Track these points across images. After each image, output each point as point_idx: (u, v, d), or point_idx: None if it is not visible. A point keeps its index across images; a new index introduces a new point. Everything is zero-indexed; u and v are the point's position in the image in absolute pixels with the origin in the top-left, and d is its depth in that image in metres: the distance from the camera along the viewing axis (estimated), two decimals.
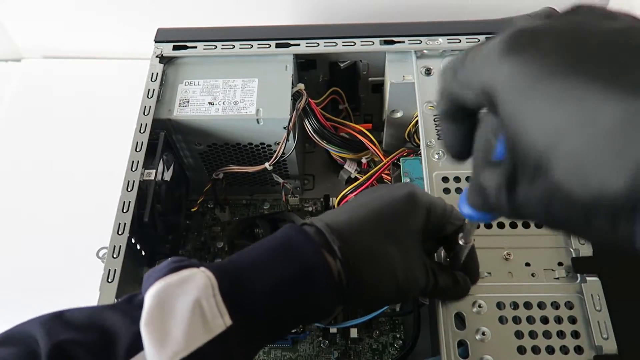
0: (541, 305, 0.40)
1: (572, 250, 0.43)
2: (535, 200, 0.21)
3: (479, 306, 0.40)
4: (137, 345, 0.30)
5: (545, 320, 0.40)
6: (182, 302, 0.31)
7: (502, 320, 0.40)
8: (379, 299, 0.38)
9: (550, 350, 0.39)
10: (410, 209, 0.36)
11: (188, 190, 0.64)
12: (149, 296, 0.31)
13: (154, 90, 0.58)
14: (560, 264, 0.42)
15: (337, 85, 0.64)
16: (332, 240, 0.34)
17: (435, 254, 0.42)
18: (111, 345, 0.30)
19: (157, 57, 0.61)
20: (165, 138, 0.56)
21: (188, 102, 0.57)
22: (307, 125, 0.59)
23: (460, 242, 0.35)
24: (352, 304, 0.38)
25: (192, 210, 0.63)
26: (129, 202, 0.49)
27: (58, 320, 0.31)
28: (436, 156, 0.49)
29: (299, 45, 0.60)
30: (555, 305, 0.40)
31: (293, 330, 0.55)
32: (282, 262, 0.34)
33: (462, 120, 0.26)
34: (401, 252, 0.35)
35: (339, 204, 0.60)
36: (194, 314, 0.30)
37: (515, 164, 0.22)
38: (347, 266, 0.34)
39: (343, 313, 0.55)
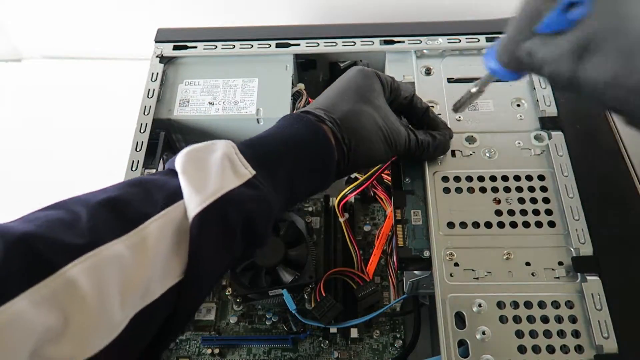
0: (541, 305, 0.40)
1: (572, 249, 0.43)
2: (605, 73, 0.24)
3: (479, 305, 0.40)
4: (174, 197, 0.33)
5: (545, 319, 0.40)
6: (213, 157, 0.36)
7: (502, 319, 0.40)
8: (373, 151, 0.43)
9: (550, 349, 0.38)
10: (365, 77, 0.45)
11: None
12: (181, 156, 0.36)
13: (154, 90, 0.58)
14: (560, 263, 0.42)
15: None
16: (319, 112, 0.41)
17: None
18: (152, 195, 0.33)
19: (157, 57, 0.61)
20: (165, 138, 0.56)
21: (188, 102, 0.57)
22: None
23: (472, 90, 0.39)
24: (350, 161, 0.42)
25: None
26: None
27: (104, 189, 0.34)
28: None
29: (299, 45, 0.60)
30: (556, 305, 0.40)
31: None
32: (289, 128, 0.40)
33: None
34: (375, 109, 0.43)
35: (339, 204, 0.60)
36: (225, 164, 0.35)
37: (597, 33, 0.24)
38: (339, 126, 0.41)
39: (343, 313, 0.55)
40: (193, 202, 0.33)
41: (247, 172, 0.36)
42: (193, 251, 0.33)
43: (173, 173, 0.35)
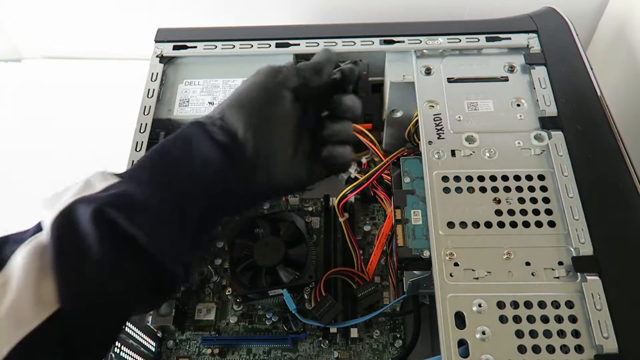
0: (541, 305, 0.40)
1: (572, 249, 0.43)
2: None
3: (479, 305, 0.40)
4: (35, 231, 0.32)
5: (545, 319, 0.40)
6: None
7: (502, 319, 0.40)
8: (269, 160, 0.39)
9: (550, 349, 0.38)
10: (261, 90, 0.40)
11: None
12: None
13: (154, 90, 0.58)
14: (560, 263, 0.42)
15: None
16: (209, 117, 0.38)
17: None
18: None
19: (157, 57, 0.61)
20: (165, 138, 0.56)
21: (188, 102, 0.57)
22: None
23: None
24: (245, 171, 0.38)
25: None
26: None
27: None
28: (436, 155, 0.49)
29: (299, 45, 0.60)
30: (556, 305, 0.40)
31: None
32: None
33: None
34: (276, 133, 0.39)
35: (339, 204, 0.60)
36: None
37: None
38: (227, 130, 0.37)
39: (343, 313, 0.55)
40: (47, 219, 0.31)
41: (106, 183, 0.34)
42: (56, 264, 0.30)
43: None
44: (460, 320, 0.40)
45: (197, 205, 0.36)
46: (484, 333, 0.39)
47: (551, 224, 0.44)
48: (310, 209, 0.65)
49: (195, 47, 0.61)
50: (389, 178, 0.56)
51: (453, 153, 0.49)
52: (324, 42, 0.60)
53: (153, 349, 0.56)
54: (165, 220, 0.34)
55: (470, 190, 0.47)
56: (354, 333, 0.55)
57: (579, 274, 0.42)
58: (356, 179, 0.61)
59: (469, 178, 0.47)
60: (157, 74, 0.59)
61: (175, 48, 0.61)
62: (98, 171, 0.35)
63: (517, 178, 0.47)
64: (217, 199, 0.37)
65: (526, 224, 0.44)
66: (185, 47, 0.61)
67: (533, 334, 0.39)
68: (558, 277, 0.42)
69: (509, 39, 0.58)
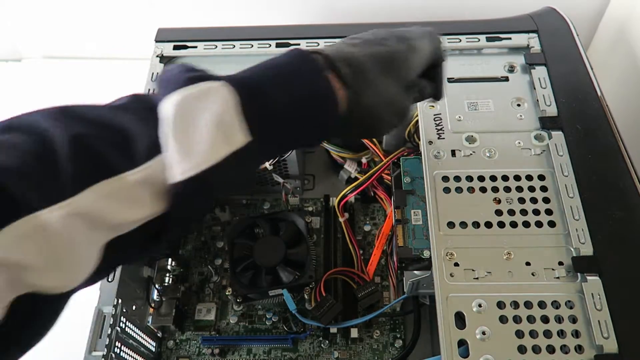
0: (542, 305, 0.40)
1: (572, 249, 0.43)
2: None
3: (480, 305, 0.40)
4: (156, 148, 0.31)
5: (545, 319, 0.40)
6: (206, 115, 0.32)
7: (502, 319, 0.40)
8: (376, 122, 0.40)
9: (550, 349, 0.38)
10: (415, 58, 0.40)
11: None
12: (170, 105, 0.32)
13: (154, 90, 0.58)
14: (560, 263, 0.42)
15: None
16: (341, 67, 0.36)
17: None
18: (130, 142, 0.31)
19: (157, 57, 0.61)
20: None
21: None
22: None
23: None
24: (352, 128, 0.39)
25: None
26: None
27: (68, 113, 0.31)
28: (436, 155, 0.49)
29: (299, 45, 0.60)
30: (556, 305, 0.40)
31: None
32: (296, 85, 0.35)
33: None
34: (399, 90, 0.39)
35: (339, 204, 0.60)
36: (217, 127, 0.31)
37: None
38: (352, 92, 0.37)
39: (343, 313, 0.55)
40: (177, 168, 0.31)
41: (241, 138, 0.32)
42: (170, 213, 0.32)
43: (153, 114, 0.32)
44: (460, 320, 0.40)
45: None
46: (484, 333, 0.39)
47: (551, 224, 0.44)
48: (310, 209, 0.65)
49: (196, 47, 0.61)
50: (389, 178, 0.56)
51: (453, 153, 0.49)
52: (324, 42, 0.60)
53: (153, 349, 0.56)
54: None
55: (471, 190, 0.47)
56: (354, 333, 0.55)
57: (579, 274, 0.42)
58: (356, 179, 0.61)
59: (469, 178, 0.47)
60: (157, 73, 0.59)
61: (175, 48, 0.61)
62: (237, 100, 0.33)
63: (517, 178, 0.47)
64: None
65: (526, 224, 0.44)
66: (186, 47, 0.61)
67: (533, 334, 0.39)
68: (558, 277, 0.42)
69: (509, 39, 0.58)
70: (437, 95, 0.44)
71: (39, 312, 0.29)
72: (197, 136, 0.31)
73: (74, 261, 0.29)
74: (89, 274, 0.30)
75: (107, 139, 0.30)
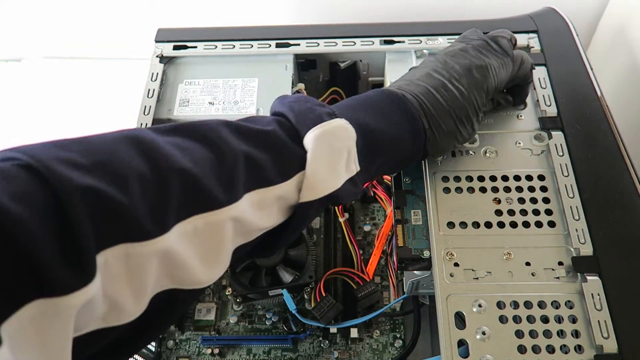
0: (541, 305, 0.40)
1: (572, 249, 0.43)
2: None
3: (480, 305, 0.40)
4: (297, 170, 0.37)
5: (545, 319, 0.40)
6: (338, 147, 0.38)
7: (502, 319, 0.40)
8: (445, 153, 0.48)
9: (550, 349, 0.38)
10: (490, 91, 0.45)
11: None
12: (313, 136, 0.38)
13: (154, 90, 0.58)
14: (560, 263, 0.42)
15: (337, 85, 0.64)
16: (424, 116, 0.43)
17: None
18: (282, 161, 0.37)
19: (157, 57, 0.61)
20: None
21: (188, 101, 0.57)
22: None
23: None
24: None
25: None
26: None
27: (238, 130, 0.37)
28: None
29: (299, 45, 0.60)
30: (556, 305, 0.40)
31: (293, 331, 0.56)
32: (397, 128, 0.42)
33: None
34: (472, 131, 0.45)
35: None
36: (345, 159, 0.39)
37: None
38: (430, 138, 0.43)
39: (343, 313, 0.55)
40: (311, 190, 0.37)
41: (354, 168, 0.39)
42: (292, 227, 0.39)
43: (299, 141, 0.38)
44: (460, 320, 0.40)
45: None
46: (484, 333, 0.39)
47: (551, 224, 0.44)
48: None
49: (196, 47, 0.61)
50: (389, 178, 0.56)
51: (453, 153, 0.49)
52: (324, 42, 0.60)
53: (153, 349, 0.56)
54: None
55: (470, 190, 0.47)
56: (354, 333, 0.55)
57: (579, 274, 0.42)
58: None
59: (469, 178, 0.47)
60: (157, 74, 0.59)
61: (175, 48, 0.61)
62: (355, 140, 0.39)
63: (517, 178, 0.47)
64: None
65: (526, 224, 0.44)
66: (186, 47, 0.61)
67: (533, 334, 0.39)
68: (558, 278, 0.42)
69: None
70: (517, 105, 0.52)
71: (176, 303, 0.33)
72: (330, 165, 0.38)
73: (222, 260, 0.34)
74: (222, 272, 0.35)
75: (268, 158, 0.36)
